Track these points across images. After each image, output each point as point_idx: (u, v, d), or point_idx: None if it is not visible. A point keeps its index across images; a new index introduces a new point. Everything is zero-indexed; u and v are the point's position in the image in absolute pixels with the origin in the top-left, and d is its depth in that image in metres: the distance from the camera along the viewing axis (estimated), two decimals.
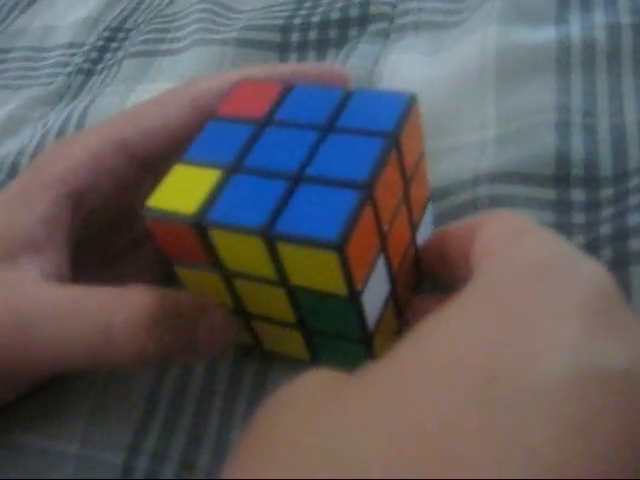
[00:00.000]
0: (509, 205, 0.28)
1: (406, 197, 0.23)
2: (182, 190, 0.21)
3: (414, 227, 0.24)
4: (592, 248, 0.27)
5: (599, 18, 0.35)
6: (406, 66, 0.37)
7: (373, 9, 0.42)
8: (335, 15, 0.43)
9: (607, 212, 0.28)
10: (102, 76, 0.47)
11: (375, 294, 0.22)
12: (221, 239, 0.20)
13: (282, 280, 0.21)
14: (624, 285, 0.25)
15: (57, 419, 0.26)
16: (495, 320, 0.15)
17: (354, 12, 0.42)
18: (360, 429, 0.14)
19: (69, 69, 0.48)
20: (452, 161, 0.31)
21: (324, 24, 0.42)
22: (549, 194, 0.29)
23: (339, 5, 0.43)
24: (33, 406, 0.27)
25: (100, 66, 0.48)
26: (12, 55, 0.53)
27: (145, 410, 0.26)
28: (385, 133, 0.21)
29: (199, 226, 0.20)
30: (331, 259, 0.19)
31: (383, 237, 0.21)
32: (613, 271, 0.25)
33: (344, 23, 0.42)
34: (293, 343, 0.24)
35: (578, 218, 0.28)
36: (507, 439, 0.13)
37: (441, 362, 0.14)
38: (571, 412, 0.13)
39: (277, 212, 0.20)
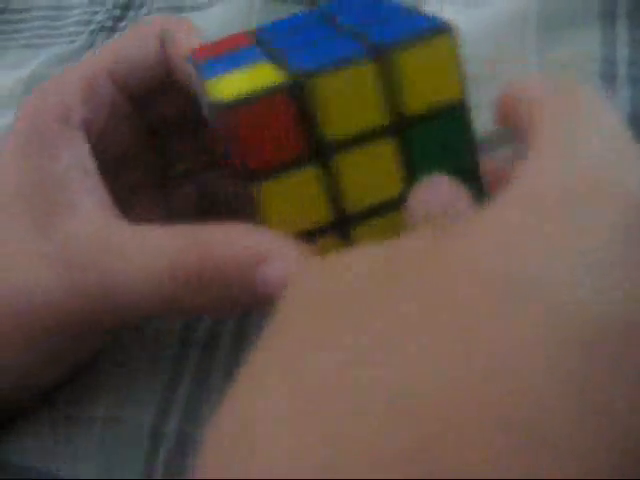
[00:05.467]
0: None
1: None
2: (241, 82, 0.19)
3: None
4: None
5: None
6: (445, 16, 0.36)
7: None
8: None
9: None
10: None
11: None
12: (323, 93, 0.19)
13: (397, 119, 0.20)
14: None
15: (83, 387, 0.26)
16: None
17: None
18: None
19: (92, 27, 0.47)
20: (492, 113, 0.30)
21: None
22: None
23: None
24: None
25: (123, 23, 0.47)
26: (33, 14, 0.52)
27: (173, 371, 0.26)
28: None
29: (297, 86, 0.18)
30: (446, 44, 0.19)
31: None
32: None
33: None
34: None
35: None
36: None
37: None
38: None
39: (364, 37, 0.19)
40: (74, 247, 0.22)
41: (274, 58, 0.20)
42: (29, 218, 0.23)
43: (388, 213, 0.21)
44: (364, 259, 0.15)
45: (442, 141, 0.21)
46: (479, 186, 0.21)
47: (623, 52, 0.30)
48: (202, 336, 0.26)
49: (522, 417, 0.11)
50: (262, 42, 0.23)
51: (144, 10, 0.46)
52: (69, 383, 0.26)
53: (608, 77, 0.29)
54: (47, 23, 0.51)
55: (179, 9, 0.44)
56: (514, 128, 0.21)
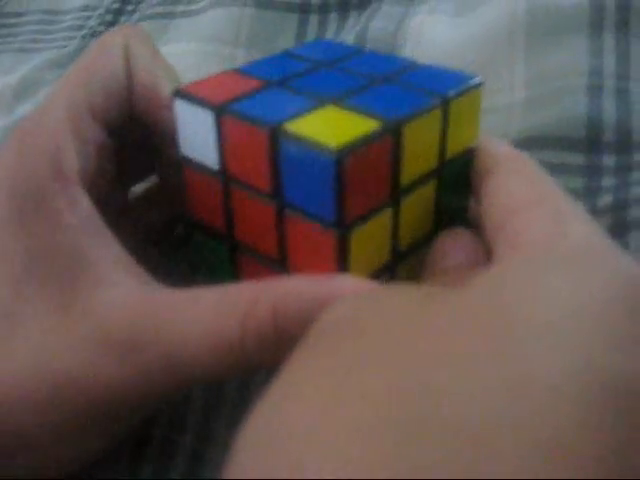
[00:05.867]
0: None
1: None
2: (330, 129, 0.19)
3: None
4: (620, 207, 0.26)
5: None
6: (432, 28, 0.36)
7: None
8: None
9: (639, 175, 0.27)
10: None
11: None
12: (410, 138, 0.20)
13: (440, 162, 0.21)
14: None
15: None
16: None
17: None
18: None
19: (84, 32, 0.47)
20: (481, 124, 0.30)
21: None
22: (578, 159, 0.28)
23: None
24: None
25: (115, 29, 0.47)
26: (26, 19, 0.52)
27: None
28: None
29: (397, 131, 0.19)
30: (478, 95, 0.21)
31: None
32: None
33: None
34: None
35: (608, 181, 0.27)
36: None
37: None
38: None
39: (421, 88, 0.21)
40: (114, 323, 0.19)
41: (336, 102, 0.20)
42: (47, 300, 0.20)
43: (421, 250, 0.22)
44: (398, 296, 0.16)
45: (459, 181, 0.22)
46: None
47: (610, 63, 0.30)
48: None
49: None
50: (292, 83, 0.22)
51: (136, 16, 0.46)
52: None
53: (595, 88, 0.29)
54: (41, 27, 0.51)
55: (171, 15, 0.44)
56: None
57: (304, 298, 0.18)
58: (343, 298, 0.17)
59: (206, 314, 0.18)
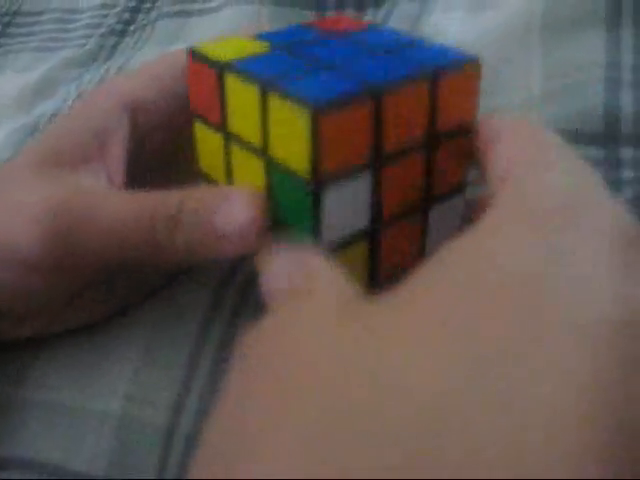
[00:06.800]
0: None
1: (429, 155, 0.22)
2: (229, 47, 0.23)
3: (428, 199, 0.23)
4: None
5: None
6: (448, 25, 0.36)
7: None
8: None
9: None
10: (135, 37, 0.46)
11: (343, 211, 0.21)
12: (232, 86, 0.21)
13: (264, 150, 0.21)
14: None
15: (99, 377, 0.26)
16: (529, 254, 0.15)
17: None
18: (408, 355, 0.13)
19: (102, 30, 0.48)
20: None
21: None
22: (597, 152, 0.28)
23: None
24: (73, 364, 0.27)
25: (133, 27, 0.47)
26: (45, 17, 0.52)
27: (189, 366, 0.26)
28: (427, 66, 0.21)
29: (220, 70, 0.22)
30: (305, 122, 0.19)
31: (379, 156, 0.21)
32: None
33: None
34: None
35: (627, 174, 0.27)
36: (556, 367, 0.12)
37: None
38: (614, 350, 0.13)
39: (285, 77, 0.20)
40: (63, 196, 0.23)
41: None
42: (40, 163, 0.24)
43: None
44: (318, 311, 0.16)
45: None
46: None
47: (627, 57, 0.30)
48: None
49: None
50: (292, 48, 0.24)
51: (153, 14, 0.47)
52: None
53: (612, 82, 0.29)
54: (60, 26, 0.51)
55: (187, 13, 0.45)
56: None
57: (203, 196, 0.22)
58: (265, 317, 0.17)
59: (130, 204, 0.23)
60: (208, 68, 0.22)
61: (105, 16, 0.49)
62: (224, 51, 0.23)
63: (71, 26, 0.50)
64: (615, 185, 0.27)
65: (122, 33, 0.47)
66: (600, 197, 0.17)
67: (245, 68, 0.21)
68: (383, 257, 0.23)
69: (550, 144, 0.19)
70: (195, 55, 0.23)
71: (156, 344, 0.26)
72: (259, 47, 0.23)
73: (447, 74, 0.21)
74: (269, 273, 0.20)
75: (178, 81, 0.26)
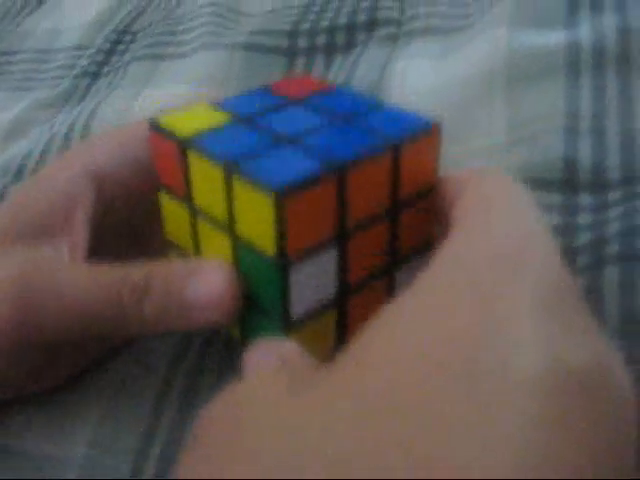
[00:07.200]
0: None
1: (393, 221, 0.22)
2: (189, 118, 0.23)
3: (395, 262, 0.23)
4: (599, 244, 0.27)
5: (609, 21, 0.34)
6: (414, 72, 0.37)
7: (381, 14, 0.42)
8: (343, 20, 0.43)
9: (615, 212, 0.28)
10: (109, 79, 0.47)
11: (310, 285, 0.21)
12: (196, 164, 0.21)
13: (230, 227, 0.21)
14: (631, 280, 0.25)
15: (63, 425, 0.26)
16: (463, 312, 0.15)
17: (362, 17, 0.42)
18: (337, 430, 0.13)
19: (75, 71, 0.48)
20: (462, 168, 0.31)
21: (332, 29, 0.42)
22: (557, 198, 0.29)
23: (347, 10, 0.43)
24: (38, 413, 0.27)
25: (107, 69, 0.48)
26: (19, 57, 0.53)
27: (153, 415, 0.26)
28: (387, 137, 0.21)
29: (182, 146, 0.22)
30: (269, 206, 0.19)
31: (344, 230, 0.21)
32: (621, 264, 0.25)
33: (352, 28, 0.42)
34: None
35: (585, 219, 0.28)
36: (485, 432, 0.13)
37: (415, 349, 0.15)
38: (542, 409, 0.13)
39: (248, 156, 0.20)
40: (32, 269, 0.23)
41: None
42: (1, 239, 0.24)
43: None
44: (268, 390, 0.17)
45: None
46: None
47: (586, 103, 0.31)
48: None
49: None
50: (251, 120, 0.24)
51: (127, 57, 0.47)
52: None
53: (571, 131, 0.30)
54: (33, 67, 0.51)
55: (161, 57, 0.45)
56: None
57: (171, 270, 0.23)
58: (221, 394, 0.17)
59: (96, 278, 0.23)
60: (170, 142, 0.22)
61: (79, 57, 0.50)
62: (185, 124, 0.23)
63: (45, 67, 0.51)
64: (573, 230, 0.28)
65: (96, 75, 0.48)
66: (545, 247, 0.17)
67: (207, 146, 0.21)
68: (351, 321, 0.23)
69: (507, 194, 0.20)
70: (156, 128, 0.23)
71: (121, 398, 0.26)
72: (220, 117, 0.23)
73: (409, 144, 0.21)
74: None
75: (143, 150, 0.26)
